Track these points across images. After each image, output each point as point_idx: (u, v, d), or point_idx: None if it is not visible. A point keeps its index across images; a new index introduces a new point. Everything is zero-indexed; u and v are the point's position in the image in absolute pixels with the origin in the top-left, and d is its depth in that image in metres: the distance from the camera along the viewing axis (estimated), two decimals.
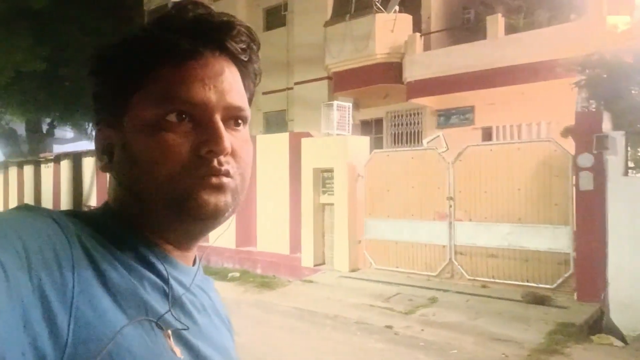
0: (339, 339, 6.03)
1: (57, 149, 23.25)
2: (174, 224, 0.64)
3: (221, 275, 9.84)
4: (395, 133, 12.91)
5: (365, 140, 9.32)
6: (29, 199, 18.22)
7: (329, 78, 13.23)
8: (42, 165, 17.52)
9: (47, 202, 17.13)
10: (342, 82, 12.55)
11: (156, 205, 0.62)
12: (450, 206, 8.06)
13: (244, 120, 0.67)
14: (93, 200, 14.42)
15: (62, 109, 22.92)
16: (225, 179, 0.63)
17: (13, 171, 19.26)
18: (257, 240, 10.39)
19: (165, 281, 0.62)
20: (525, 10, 10.75)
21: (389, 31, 11.50)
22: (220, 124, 0.63)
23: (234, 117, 0.65)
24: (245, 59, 0.68)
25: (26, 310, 0.46)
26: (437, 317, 6.61)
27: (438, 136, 8.81)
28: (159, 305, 0.59)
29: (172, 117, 0.61)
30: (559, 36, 8.98)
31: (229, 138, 0.63)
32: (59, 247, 0.52)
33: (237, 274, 9.77)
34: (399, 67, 11.56)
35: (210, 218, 0.63)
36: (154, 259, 0.63)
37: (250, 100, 0.71)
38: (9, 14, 16.99)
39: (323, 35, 12.71)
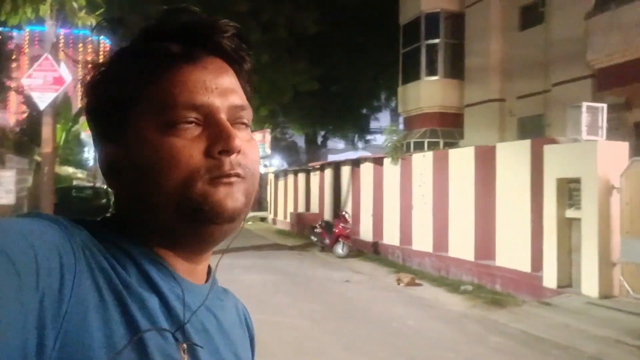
0: None
1: (330, 158, 25.98)
2: (188, 232, 0.62)
3: (453, 287, 9.58)
4: None
5: (622, 147, 7.91)
6: (301, 202, 20.81)
7: (592, 76, 11.65)
8: (311, 173, 19.82)
9: (314, 205, 19.29)
10: (608, 80, 10.90)
11: (170, 215, 0.60)
12: None
13: (247, 120, 0.67)
14: (349, 204, 15.62)
15: (333, 123, 25.55)
16: (235, 179, 0.61)
17: (291, 178, 22.40)
18: (495, 253, 9.78)
19: (164, 304, 0.60)
20: None
21: None
22: (228, 123, 0.62)
23: (238, 117, 0.65)
24: (239, 59, 0.68)
25: (26, 320, 0.47)
26: None
27: None
28: (151, 330, 0.57)
29: (179, 124, 0.60)
30: None
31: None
32: (64, 259, 0.53)
33: (470, 287, 9.36)
34: None
35: (228, 221, 0.62)
36: (156, 278, 0.61)
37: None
38: (291, 41, 19.75)
39: (584, 28, 11.27)
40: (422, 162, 12.05)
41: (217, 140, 0.60)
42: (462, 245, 10.58)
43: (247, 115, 0.66)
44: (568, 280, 8.36)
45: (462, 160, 10.75)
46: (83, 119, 26.07)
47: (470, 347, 6.10)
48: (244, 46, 0.68)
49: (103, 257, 0.57)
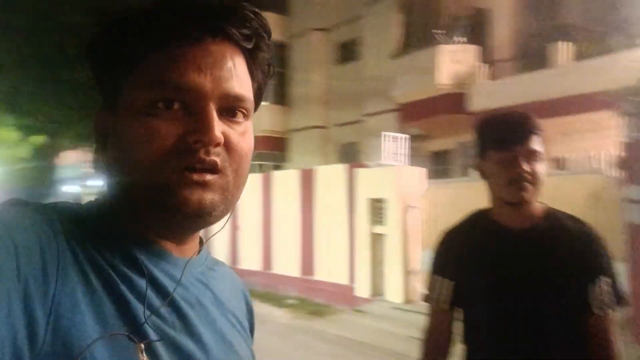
0: None
1: None
2: (157, 218, 0.60)
3: (277, 301, 10.17)
4: (466, 164, 12.69)
5: (420, 172, 9.32)
6: None
7: (397, 110, 13.36)
8: None
9: None
10: (408, 114, 12.65)
11: (138, 197, 0.59)
12: None
13: (245, 111, 0.63)
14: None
15: None
16: (209, 177, 0.59)
17: None
18: (315, 269, 10.62)
19: (152, 282, 0.59)
20: (597, 36, 10.29)
21: (452, 62, 11.48)
22: (213, 113, 0.59)
23: (233, 108, 0.62)
24: (250, 46, 0.64)
25: (11, 308, 0.46)
26: None
27: None
28: (142, 309, 0.56)
29: (162, 103, 0.58)
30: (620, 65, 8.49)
31: (223, 129, 0.60)
32: (45, 246, 0.51)
33: (293, 301, 10.04)
34: (465, 98, 11.45)
35: (194, 216, 0.59)
36: (141, 257, 0.59)
37: (259, 92, 0.68)
38: None
39: (391, 68, 12.93)
40: (249, 184, 12.51)
41: (195, 129, 0.58)
42: (287, 262, 11.27)
43: (247, 106, 0.63)
44: (379, 290, 9.47)
45: (284, 182, 11.52)
46: None
47: (305, 355, 6.73)
48: (262, 33, 0.64)
49: (87, 240, 0.56)
